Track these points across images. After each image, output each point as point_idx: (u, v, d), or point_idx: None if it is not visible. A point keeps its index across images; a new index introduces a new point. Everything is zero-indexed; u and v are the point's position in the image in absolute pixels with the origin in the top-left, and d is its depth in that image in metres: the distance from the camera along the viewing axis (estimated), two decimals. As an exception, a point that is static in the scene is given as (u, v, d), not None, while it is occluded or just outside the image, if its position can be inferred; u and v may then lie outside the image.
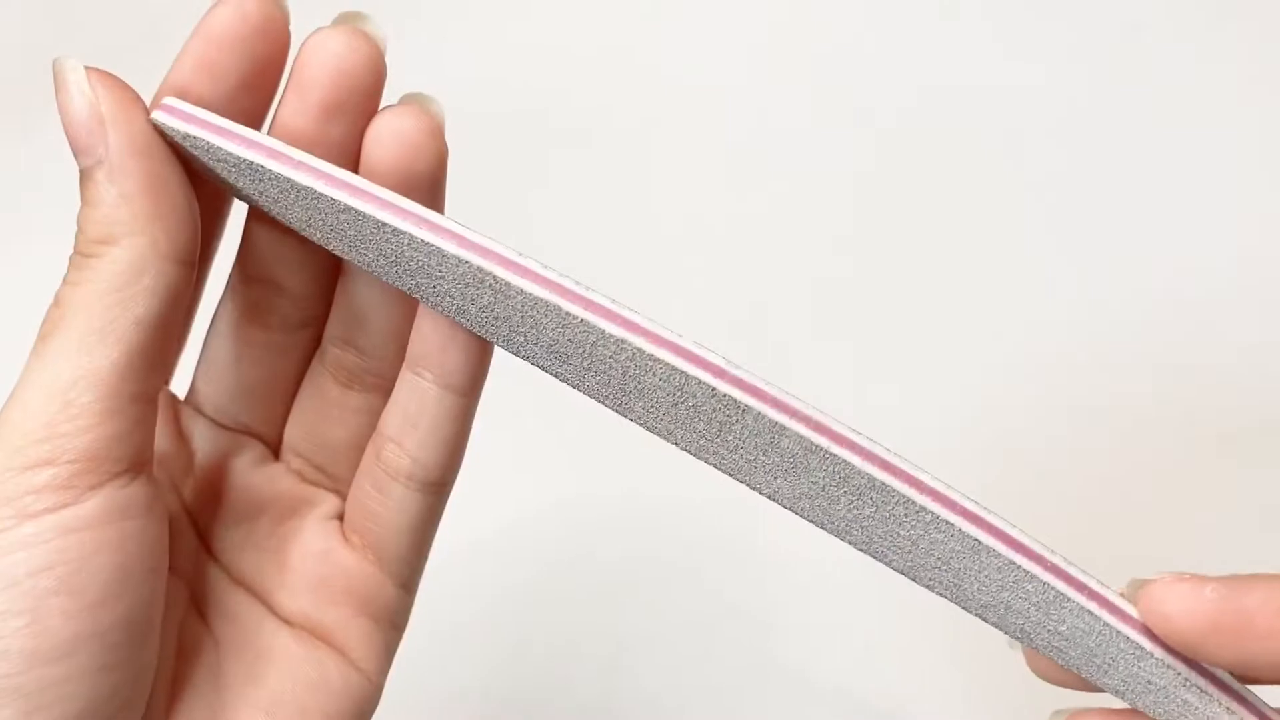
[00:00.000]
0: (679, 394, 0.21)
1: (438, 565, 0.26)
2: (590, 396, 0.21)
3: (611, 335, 0.20)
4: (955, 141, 0.51)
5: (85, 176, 0.20)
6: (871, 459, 0.20)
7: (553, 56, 0.54)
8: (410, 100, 0.22)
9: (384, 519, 0.24)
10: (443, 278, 0.21)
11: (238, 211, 0.23)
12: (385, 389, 0.24)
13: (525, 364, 0.21)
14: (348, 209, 0.21)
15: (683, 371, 0.20)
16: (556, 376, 0.22)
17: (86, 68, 0.20)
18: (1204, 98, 0.51)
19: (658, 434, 0.21)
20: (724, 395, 0.20)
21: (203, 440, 0.25)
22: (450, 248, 0.21)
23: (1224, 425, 0.43)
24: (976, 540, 0.20)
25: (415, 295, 0.22)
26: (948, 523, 0.20)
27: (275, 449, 0.25)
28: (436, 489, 0.24)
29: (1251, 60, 0.51)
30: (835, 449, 0.20)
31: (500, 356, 0.23)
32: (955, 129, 0.51)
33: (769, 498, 0.21)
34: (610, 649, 0.41)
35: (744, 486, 0.21)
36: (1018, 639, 0.21)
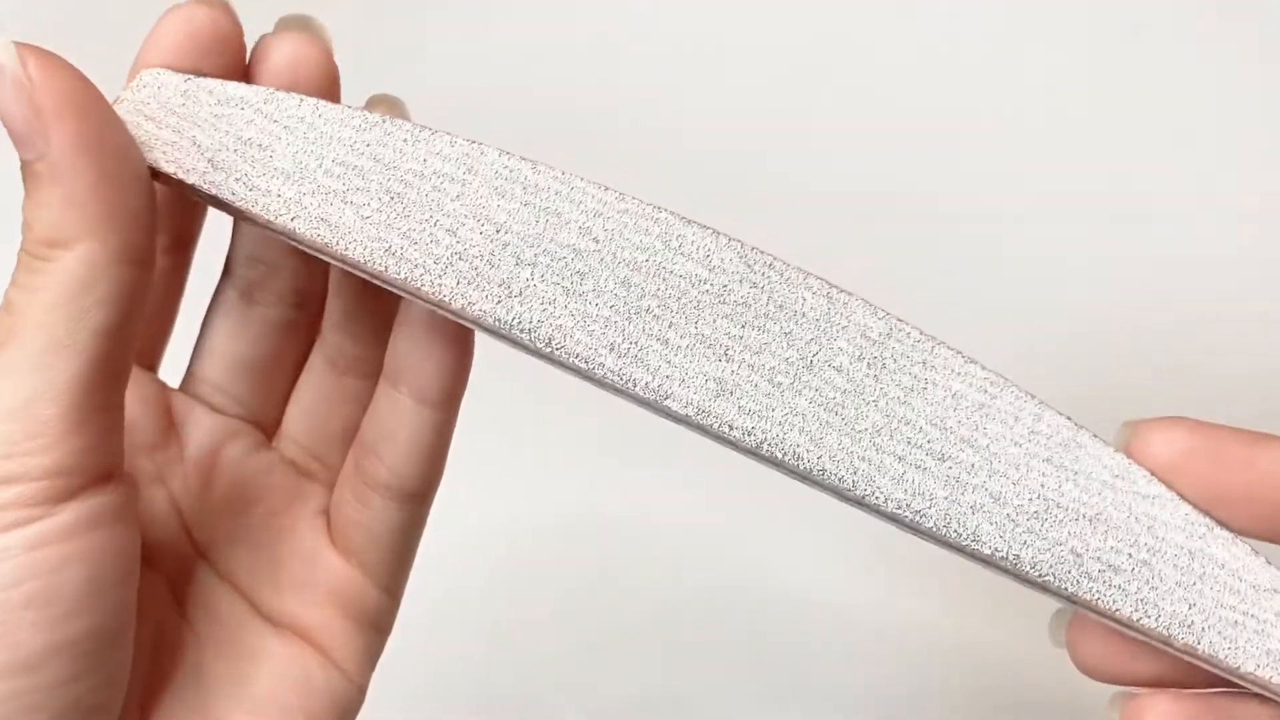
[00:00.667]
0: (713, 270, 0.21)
1: (431, 567, 0.26)
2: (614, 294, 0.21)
3: (645, 210, 0.21)
4: (954, 143, 0.51)
5: (27, 170, 0.18)
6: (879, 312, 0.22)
7: (555, 54, 0.54)
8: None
9: (365, 527, 0.24)
10: (468, 184, 0.20)
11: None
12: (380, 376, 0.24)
13: (511, 370, 0.21)
14: (378, 123, 0.20)
15: (715, 240, 0.21)
16: (571, 287, 0.20)
17: (18, 45, 0.18)
18: (1203, 99, 0.51)
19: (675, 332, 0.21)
20: (753, 256, 0.22)
21: (196, 428, 0.24)
22: (489, 149, 0.20)
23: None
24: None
25: (416, 231, 0.20)
26: None
27: (270, 435, 0.25)
28: (416, 499, 0.24)
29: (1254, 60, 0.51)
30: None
31: (487, 361, 0.23)
32: (955, 130, 0.51)
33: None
34: (608, 649, 0.41)
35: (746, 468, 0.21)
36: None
